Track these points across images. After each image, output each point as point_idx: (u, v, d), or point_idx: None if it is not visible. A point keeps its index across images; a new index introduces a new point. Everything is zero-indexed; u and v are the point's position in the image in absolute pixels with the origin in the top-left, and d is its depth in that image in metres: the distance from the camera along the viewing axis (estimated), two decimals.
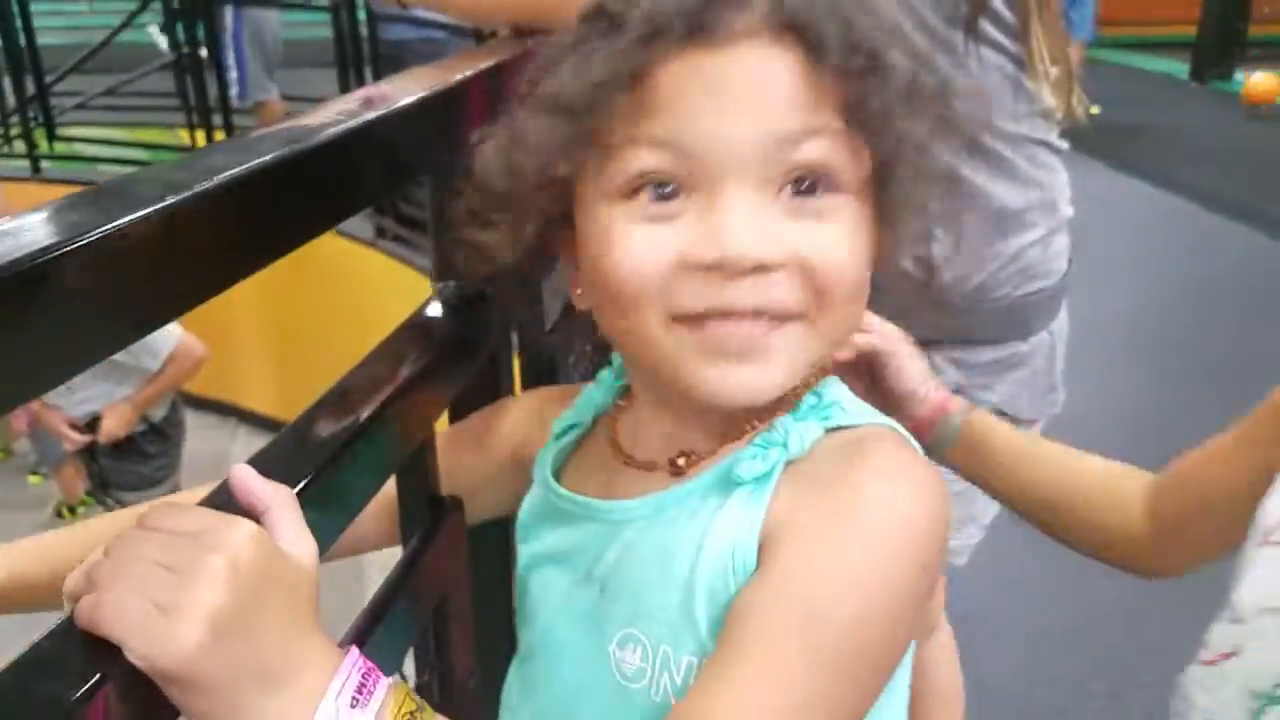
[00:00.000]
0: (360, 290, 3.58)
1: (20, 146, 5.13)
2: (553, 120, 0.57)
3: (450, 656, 0.87)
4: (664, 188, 0.57)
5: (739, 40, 0.56)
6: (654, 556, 0.61)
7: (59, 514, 3.99)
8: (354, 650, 0.50)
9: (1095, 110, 1.04)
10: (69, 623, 0.45)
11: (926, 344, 1.00)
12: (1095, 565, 0.89)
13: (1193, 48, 8.58)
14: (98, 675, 0.42)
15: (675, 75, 0.56)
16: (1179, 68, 8.71)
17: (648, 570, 0.61)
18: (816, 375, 0.64)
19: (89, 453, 3.11)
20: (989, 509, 1.13)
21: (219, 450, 4.31)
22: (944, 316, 0.99)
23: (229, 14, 4.87)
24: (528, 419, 0.79)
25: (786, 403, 0.62)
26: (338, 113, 0.66)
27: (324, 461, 0.62)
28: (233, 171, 0.50)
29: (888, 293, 0.98)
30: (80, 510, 3.92)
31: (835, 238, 0.57)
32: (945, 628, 1.30)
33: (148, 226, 0.44)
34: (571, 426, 0.74)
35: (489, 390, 0.90)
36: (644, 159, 0.57)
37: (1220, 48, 8.43)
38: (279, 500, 0.52)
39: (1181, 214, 5.23)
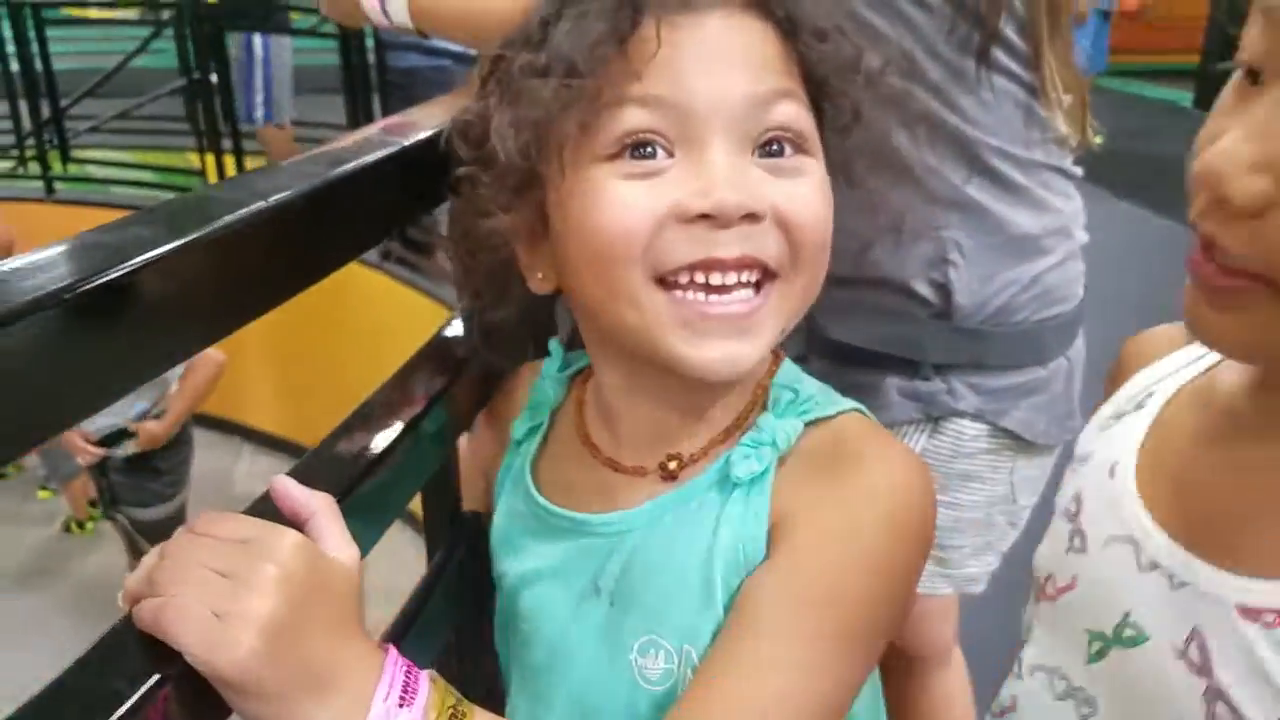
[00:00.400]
0: (365, 311, 3.60)
1: (35, 168, 5.18)
2: (554, 81, 0.58)
3: (473, 669, 0.88)
4: (644, 148, 0.59)
5: (715, 8, 0.60)
6: (663, 562, 0.63)
7: (67, 529, 4.01)
8: (393, 650, 0.51)
9: (1099, 139, 1.05)
10: (128, 624, 0.46)
11: (944, 368, 1.01)
12: None
13: (1196, 76, 8.62)
14: (157, 676, 0.44)
15: (661, 38, 0.58)
16: (1183, 96, 8.74)
17: (659, 576, 0.63)
18: (775, 358, 0.68)
19: (100, 468, 3.12)
20: (1007, 536, 1.13)
21: (225, 468, 4.32)
22: (961, 341, 1.00)
23: (258, 39, 4.93)
24: (486, 435, 0.80)
25: (758, 398, 0.66)
26: (373, 139, 0.69)
27: (355, 477, 0.63)
28: (286, 193, 0.52)
29: (904, 318, 1.00)
30: (89, 525, 3.94)
31: (808, 192, 0.60)
32: (958, 658, 1.29)
33: (214, 243, 0.46)
34: (532, 430, 0.74)
35: None
36: (633, 117, 0.58)
37: (1224, 76, 8.45)
38: (321, 507, 0.53)
39: (1185, 242, 5.22)
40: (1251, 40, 0.48)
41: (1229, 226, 0.47)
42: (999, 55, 0.94)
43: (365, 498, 0.63)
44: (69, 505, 3.97)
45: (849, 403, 0.65)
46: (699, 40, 0.59)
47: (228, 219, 0.48)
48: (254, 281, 0.53)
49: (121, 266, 0.42)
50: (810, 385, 0.67)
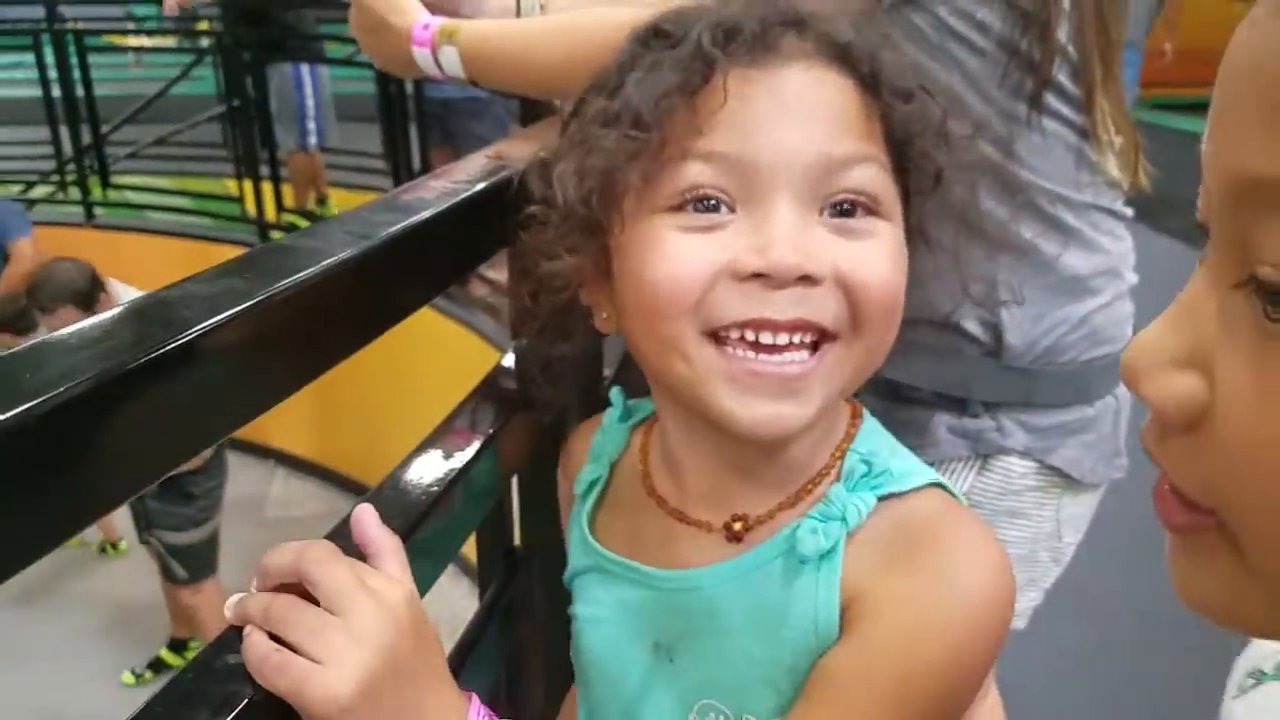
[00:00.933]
0: (396, 337, 3.62)
1: (75, 193, 5.27)
2: (620, 132, 0.58)
3: (526, 700, 0.88)
4: (707, 201, 0.57)
5: (795, 60, 0.58)
6: (726, 629, 0.62)
7: (102, 550, 4.06)
8: (475, 699, 0.52)
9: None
10: (211, 654, 0.48)
11: (993, 406, 1.01)
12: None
13: None
14: (245, 700, 0.45)
15: (732, 91, 0.57)
16: None
17: (721, 642, 0.62)
18: (854, 422, 0.65)
19: None
20: (1050, 573, 1.13)
21: (258, 492, 4.35)
22: (1010, 379, 1.00)
23: (305, 69, 5.03)
24: (564, 488, 0.79)
25: (832, 463, 0.63)
26: (445, 184, 0.70)
27: (414, 523, 0.64)
28: (363, 245, 0.53)
29: (954, 355, 1.01)
30: (122, 544, 3.99)
31: (875, 256, 0.58)
32: (993, 694, 1.28)
33: (300, 293, 0.47)
34: (593, 482, 0.73)
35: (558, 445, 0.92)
36: (695, 173, 0.57)
37: None
38: (394, 547, 0.54)
39: None
40: (1201, 195, 0.37)
41: (1165, 443, 0.35)
42: (1051, 100, 0.94)
43: (423, 542, 0.64)
44: (100, 530, 4.02)
45: (925, 474, 0.62)
46: (772, 93, 0.57)
47: (312, 269, 0.49)
48: (334, 331, 0.54)
49: (210, 321, 0.43)
50: (886, 452, 0.64)
